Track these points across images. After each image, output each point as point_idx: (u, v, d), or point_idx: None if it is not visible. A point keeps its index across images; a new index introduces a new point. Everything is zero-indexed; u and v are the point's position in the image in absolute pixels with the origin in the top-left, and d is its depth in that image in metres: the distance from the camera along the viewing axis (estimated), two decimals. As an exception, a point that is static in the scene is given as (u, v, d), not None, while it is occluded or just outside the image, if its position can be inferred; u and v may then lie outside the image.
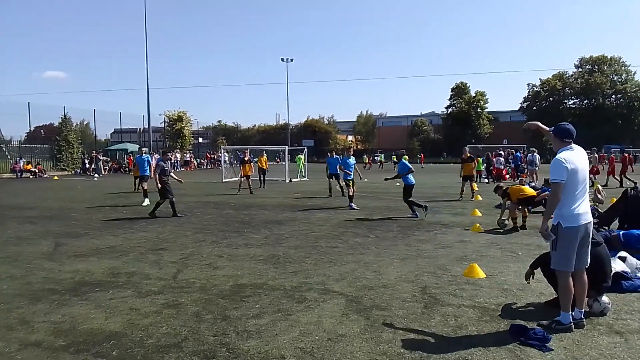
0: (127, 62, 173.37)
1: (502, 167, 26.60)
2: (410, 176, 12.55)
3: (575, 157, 4.35)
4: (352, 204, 14.25)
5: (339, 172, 16.13)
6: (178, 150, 51.43)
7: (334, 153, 20.28)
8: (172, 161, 32.45)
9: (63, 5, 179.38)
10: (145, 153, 18.20)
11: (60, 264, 7.37)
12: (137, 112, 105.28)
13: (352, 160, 15.04)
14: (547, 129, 4.75)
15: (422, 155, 59.28)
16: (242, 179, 20.15)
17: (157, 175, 12.52)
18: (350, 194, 14.59)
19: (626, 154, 23.82)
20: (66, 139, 40.45)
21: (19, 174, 34.45)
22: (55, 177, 33.66)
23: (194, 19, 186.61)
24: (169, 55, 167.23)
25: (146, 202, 15.38)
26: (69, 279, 6.43)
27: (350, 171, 14.80)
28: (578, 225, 4.30)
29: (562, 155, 4.32)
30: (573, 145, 4.45)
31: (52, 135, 42.92)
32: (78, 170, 39.96)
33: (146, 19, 47.51)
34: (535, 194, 10.73)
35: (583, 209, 4.35)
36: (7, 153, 38.70)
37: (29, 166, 35.86)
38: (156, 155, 21.13)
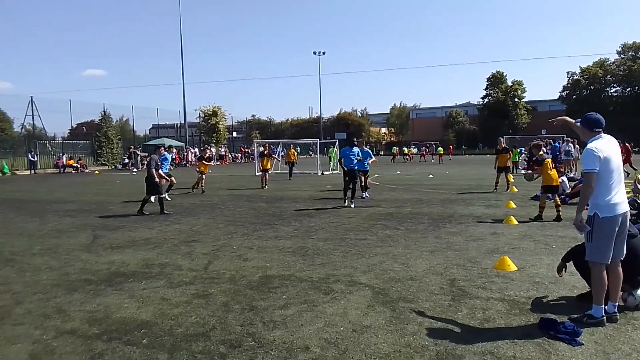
0: (163, 59, 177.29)
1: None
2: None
3: (607, 146, 4.22)
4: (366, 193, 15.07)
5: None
6: (213, 145, 52.27)
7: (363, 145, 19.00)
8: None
9: (100, 3, 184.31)
10: (165, 151, 18.18)
11: (97, 255, 7.63)
12: (173, 108, 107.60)
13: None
14: (574, 121, 4.63)
15: (450, 147, 58.47)
16: (263, 172, 19.74)
17: (154, 170, 12.17)
18: (362, 183, 15.05)
19: (627, 145, 23.41)
20: (106, 134, 41.73)
21: (62, 169, 35.75)
22: (96, 172, 34.80)
23: (227, 14, 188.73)
24: (203, 51, 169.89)
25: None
26: (105, 270, 6.66)
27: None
28: (615, 215, 4.18)
29: (593, 145, 4.19)
30: (603, 134, 4.31)
31: (93, 131, 44.32)
32: (118, 165, 41.16)
33: (181, 14, 48.33)
34: (559, 184, 10.77)
35: (619, 199, 4.22)
36: (50, 149, 40.22)
37: (71, 161, 37.14)
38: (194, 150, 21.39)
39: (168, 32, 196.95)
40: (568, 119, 4.86)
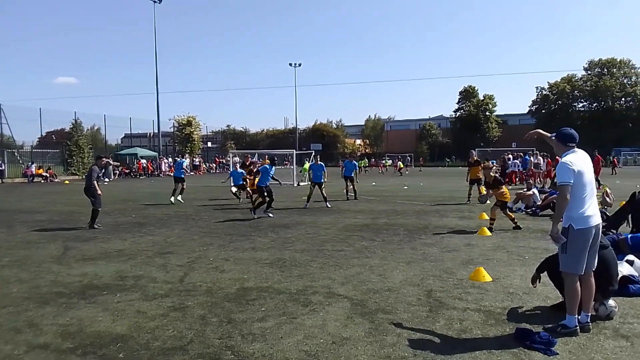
0: (137, 68, 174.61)
1: (517, 169, 26.27)
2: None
3: (580, 160, 4.37)
4: (328, 204, 15.67)
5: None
6: (187, 155, 51.74)
7: (351, 158, 19.80)
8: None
9: (73, 11, 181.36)
10: (182, 157, 19.23)
11: (68, 267, 7.44)
12: (147, 117, 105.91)
13: (320, 165, 16.49)
14: (549, 135, 4.77)
15: (421, 159, 59.21)
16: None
17: (96, 183, 11.73)
18: (324, 194, 15.97)
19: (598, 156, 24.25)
20: (77, 143, 40.85)
21: (31, 179, 34.83)
22: (66, 182, 33.99)
23: (202, 24, 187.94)
24: (177, 60, 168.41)
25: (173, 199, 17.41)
26: (77, 282, 6.50)
27: (318, 175, 16.19)
28: (589, 226, 4.32)
29: (567, 159, 4.33)
30: (576, 149, 4.46)
31: (63, 140, 43.35)
32: (88, 175, 40.32)
33: (155, 24, 47.98)
34: (508, 200, 11.03)
35: (592, 211, 4.36)
36: (18, 158, 39.16)
37: (40, 170, 36.24)
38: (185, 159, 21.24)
39: (142, 41, 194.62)
40: (542, 132, 5.01)
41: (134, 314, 5.15)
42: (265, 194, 13.35)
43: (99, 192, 11.72)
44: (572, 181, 4.24)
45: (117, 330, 4.67)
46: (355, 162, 19.32)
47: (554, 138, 4.59)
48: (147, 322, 4.88)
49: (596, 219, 4.38)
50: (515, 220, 10.83)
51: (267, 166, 13.82)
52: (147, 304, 5.52)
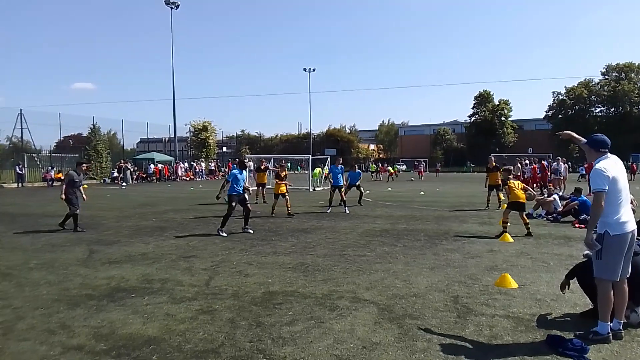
0: (153, 73, 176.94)
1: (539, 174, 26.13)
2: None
3: (614, 166, 4.34)
4: (347, 209, 15.82)
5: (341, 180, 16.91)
6: (203, 160, 52.15)
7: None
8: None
9: (90, 18, 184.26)
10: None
11: (95, 270, 7.55)
12: (163, 122, 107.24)
13: (339, 168, 16.57)
14: (581, 139, 4.74)
15: (438, 165, 58.89)
16: (258, 187, 19.68)
17: (64, 187, 12.03)
18: (344, 198, 16.25)
19: (544, 162, 25.23)
20: (95, 148, 41.44)
21: (50, 183, 35.33)
22: (85, 186, 34.24)
23: (218, 31, 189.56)
24: (193, 66, 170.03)
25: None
26: (105, 285, 6.59)
27: (336, 178, 16.39)
28: (625, 232, 4.29)
29: (601, 165, 4.31)
30: (609, 154, 4.44)
31: (81, 144, 43.99)
32: (106, 179, 40.81)
33: (172, 30, 48.54)
34: (525, 202, 10.99)
35: (628, 217, 4.34)
36: (38, 162, 39.79)
37: (60, 175, 36.71)
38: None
39: (158, 47, 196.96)
40: (575, 135, 4.97)
41: (163, 317, 5.22)
42: (234, 204, 11.23)
43: (62, 196, 11.91)
44: (606, 188, 4.21)
45: (148, 333, 4.73)
46: (360, 172, 18.93)
47: (585, 144, 4.57)
48: (177, 325, 4.94)
49: (631, 225, 4.34)
50: (529, 226, 10.77)
51: (237, 171, 11.64)
52: (176, 306, 5.58)
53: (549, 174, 24.16)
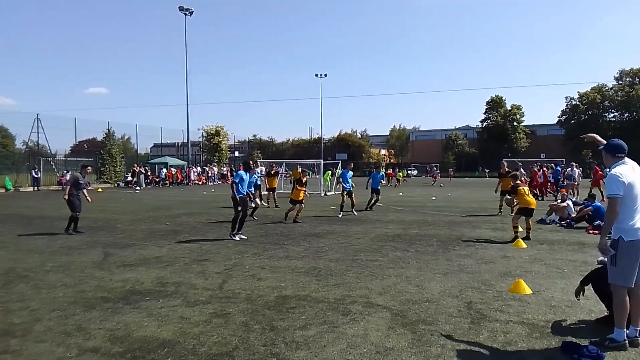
0: (167, 78, 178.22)
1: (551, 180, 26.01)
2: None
3: (630, 171, 4.32)
4: (354, 210, 16.39)
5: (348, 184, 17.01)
6: (215, 164, 52.44)
7: (374, 169, 19.87)
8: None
9: (105, 23, 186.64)
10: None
11: (110, 273, 7.64)
12: (176, 127, 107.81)
13: (350, 173, 17.17)
14: (603, 142, 4.72)
15: (450, 171, 58.45)
16: (269, 192, 19.67)
17: (68, 188, 12.24)
18: (354, 201, 16.51)
19: (545, 169, 25.42)
20: (109, 152, 41.85)
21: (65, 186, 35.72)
22: (100, 190, 34.79)
23: (231, 36, 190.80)
24: (206, 71, 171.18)
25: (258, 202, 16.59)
26: (120, 288, 6.67)
27: (348, 183, 16.70)
28: (639, 238, 4.24)
29: (617, 170, 4.29)
30: (626, 159, 4.41)
31: (95, 149, 44.45)
32: (120, 183, 41.20)
33: (186, 35, 48.99)
34: (534, 207, 10.98)
35: None
36: (53, 166, 40.28)
37: (75, 179, 37.13)
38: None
39: (171, 52, 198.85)
40: (598, 137, 4.95)
41: (178, 320, 5.27)
42: (239, 207, 11.09)
43: (66, 196, 12.13)
44: (622, 193, 4.19)
45: (163, 336, 4.78)
46: (382, 173, 19.42)
47: (602, 149, 4.55)
48: (192, 328, 4.99)
49: None
50: (530, 231, 10.79)
51: (242, 172, 11.54)
52: (190, 310, 5.63)
53: (550, 179, 24.16)
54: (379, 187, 18.38)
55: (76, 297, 6.21)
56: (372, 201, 18.35)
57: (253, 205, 14.80)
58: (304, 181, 15.27)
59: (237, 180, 11.23)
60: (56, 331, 4.94)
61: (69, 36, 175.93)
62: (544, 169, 25.39)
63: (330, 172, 31.69)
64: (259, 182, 17.59)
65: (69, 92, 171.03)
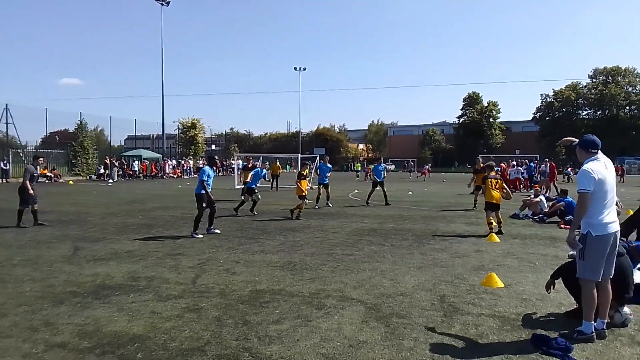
0: (142, 70, 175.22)
1: (521, 177, 26.51)
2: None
3: (602, 167, 4.38)
4: (329, 203, 17.15)
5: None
6: (191, 157, 51.86)
7: (381, 161, 20.09)
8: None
9: (78, 13, 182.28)
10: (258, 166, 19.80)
11: (80, 267, 7.47)
12: (151, 119, 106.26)
13: (327, 166, 17.88)
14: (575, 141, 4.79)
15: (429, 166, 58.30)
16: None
17: (28, 181, 11.97)
18: (329, 194, 17.43)
19: (503, 164, 26.49)
20: (82, 144, 40.98)
21: (35, 179, 34.84)
22: (71, 182, 34.11)
23: (208, 27, 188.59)
24: (182, 63, 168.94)
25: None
26: (90, 282, 6.52)
27: (325, 176, 17.50)
28: (607, 234, 4.33)
29: (588, 166, 4.35)
30: (599, 155, 4.48)
31: (67, 140, 43.50)
32: (93, 176, 40.41)
33: (162, 26, 48.22)
34: (500, 203, 11.12)
35: (611, 218, 4.37)
36: (23, 158, 39.24)
37: (45, 171, 36.27)
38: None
39: (147, 43, 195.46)
40: (572, 138, 5.03)
41: (149, 315, 5.17)
42: (205, 205, 10.63)
43: (31, 191, 11.87)
44: (592, 189, 4.25)
45: (133, 331, 4.68)
46: (385, 165, 19.63)
47: (576, 145, 4.61)
48: (163, 323, 4.90)
49: (615, 226, 4.39)
50: (492, 227, 10.79)
51: (208, 168, 10.97)
52: (162, 304, 5.54)
53: (507, 175, 24.69)
54: (383, 179, 18.36)
55: (44, 292, 6.05)
56: (384, 195, 17.93)
57: (254, 199, 14.69)
58: (304, 174, 14.97)
59: (205, 178, 10.60)
60: (22, 326, 4.80)
61: (43, 26, 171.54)
62: (502, 164, 26.00)
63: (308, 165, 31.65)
64: (266, 177, 17.73)
65: (41, 83, 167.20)
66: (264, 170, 17.90)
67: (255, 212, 14.49)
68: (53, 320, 5.00)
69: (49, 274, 6.98)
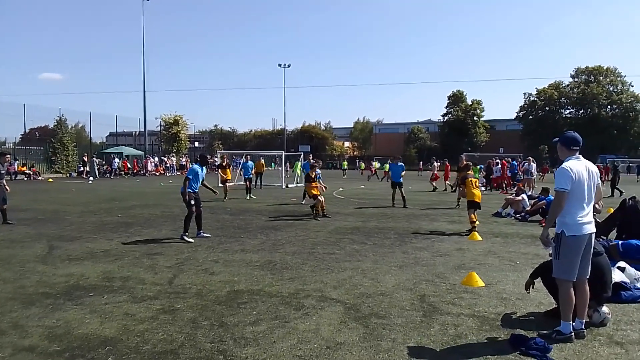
0: (124, 65, 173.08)
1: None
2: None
3: (582, 168, 4.35)
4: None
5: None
6: (174, 154, 51.32)
7: (398, 160, 17.76)
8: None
9: (60, 7, 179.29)
10: (249, 160, 21.37)
11: (54, 267, 7.28)
12: (133, 115, 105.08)
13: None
14: None
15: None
16: (222, 184, 18.97)
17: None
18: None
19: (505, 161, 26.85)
20: (61, 141, 40.20)
21: (13, 176, 34.15)
22: (50, 180, 33.45)
23: (191, 23, 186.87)
24: (165, 58, 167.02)
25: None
26: (63, 283, 6.35)
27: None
28: (581, 234, 4.29)
29: (568, 164, 4.32)
30: (581, 157, 4.44)
31: (47, 137, 42.68)
32: (73, 173, 39.74)
33: (144, 21, 47.57)
34: (479, 201, 11.23)
35: (587, 219, 4.34)
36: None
37: (24, 168, 35.61)
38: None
39: (129, 39, 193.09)
40: None
41: (122, 317, 5.03)
42: (192, 202, 9.85)
43: (8, 189, 11.62)
44: (569, 188, 4.22)
45: (105, 333, 4.55)
46: (402, 164, 17.27)
47: (557, 141, 4.57)
48: (136, 325, 4.77)
49: (590, 228, 4.35)
50: (475, 225, 10.79)
51: (197, 167, 10.23)
52: (136, 306, 5.40)
53: (520, 173, 25.01)
54: (401, 180, 16.79)
55: (15, 293, 5.87)
56: (402, 198, 16.57)
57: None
58: (313, 175, 14.29)
59: (191, 177, 9.89)
60: (-11, 330, 4.64)
61: (22, 19, 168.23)
62: (504, 161, 26.36)
63: (298, 163, 31.41)
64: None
65: (21, 78, 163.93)
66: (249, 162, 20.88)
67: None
68: (22, 322, 4.84)
69: (21, 275, 6.78)
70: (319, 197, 13.74)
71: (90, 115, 47.22)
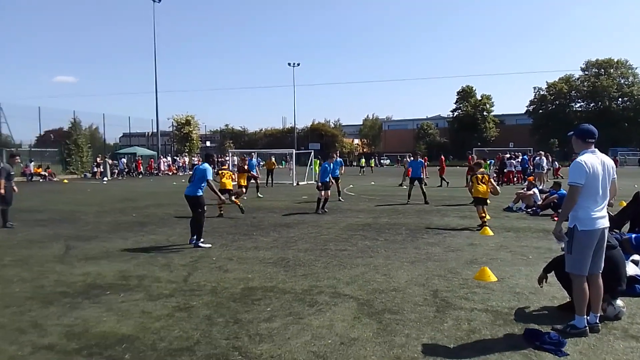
0: (136, 67, 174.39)
1: (514, 169, 26.67)
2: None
3: (597, 162, 4.30)
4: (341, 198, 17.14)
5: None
6: (186, 154, 51.64)
7: (418, 156, 17.46)
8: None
9: (73, 10, 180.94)
10: (253, 157, 21.81)
11: (71, 266, 7.40)
12: (145, 116, 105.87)
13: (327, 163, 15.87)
14: None
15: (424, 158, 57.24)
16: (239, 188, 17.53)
17: (3, 180, 11.42)
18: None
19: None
20: (76, 142, 40.66)
21: (29, 177, 34.67)
22: (65, 181, 33.85)
23: (202, 24, 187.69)
24: (176, 59, 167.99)
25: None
26: (81, 282, 6.45)
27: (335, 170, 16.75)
28: (594, 229, 4.27)
29: (583, 158, 4.28)
30: (596, 151, 4.41)
31: (62, 139, 43.15)
32: (87, 174, 40.17)
33: (155, 23, 47.89)
34: (487, 197, 11.25)
35: (601, 214, 4.31)
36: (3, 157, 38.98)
37: (39, 169, 36.08)
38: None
39: (141, 40, 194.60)
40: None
41: (139, 314, 5.11)
42: (199, 208, 9.04)
43: (1, 190, 11.44)
44: (582, 183, 4.19)
45: (122, 331, 4.63)
46: (421, 160, 17.36)
47: (572, 134, 4.54)
48: (153, 323, 4.85)
49: (603, 222, 4.32)
50: (485, 220, 10.78)
51: (205, 166, 9.39)
52: (152, 304, 5.48)
53: (531, 167, 24.80)
54: (422, 176, 16.96)
55: (33, 293, 5.97)
56: (423, 194, 16.45)
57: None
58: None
59: (202, 175, 9.14)
60: (9, 328, 4.74)
61: (37, 23, 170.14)
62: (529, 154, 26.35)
63: (318, 161, 31.18)
64: (338, 174, 17.28)
65: (36, 81, 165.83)
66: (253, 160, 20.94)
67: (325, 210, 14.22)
68: (41, 321, 4.94)
69: (39, 274, 6.90)
70: (328, 191, 14.26)
71: (103, 117, 47.67)
